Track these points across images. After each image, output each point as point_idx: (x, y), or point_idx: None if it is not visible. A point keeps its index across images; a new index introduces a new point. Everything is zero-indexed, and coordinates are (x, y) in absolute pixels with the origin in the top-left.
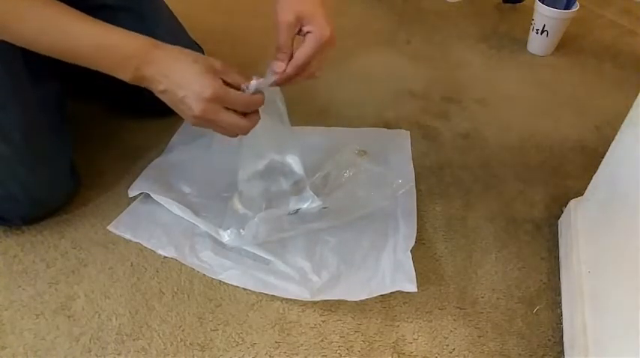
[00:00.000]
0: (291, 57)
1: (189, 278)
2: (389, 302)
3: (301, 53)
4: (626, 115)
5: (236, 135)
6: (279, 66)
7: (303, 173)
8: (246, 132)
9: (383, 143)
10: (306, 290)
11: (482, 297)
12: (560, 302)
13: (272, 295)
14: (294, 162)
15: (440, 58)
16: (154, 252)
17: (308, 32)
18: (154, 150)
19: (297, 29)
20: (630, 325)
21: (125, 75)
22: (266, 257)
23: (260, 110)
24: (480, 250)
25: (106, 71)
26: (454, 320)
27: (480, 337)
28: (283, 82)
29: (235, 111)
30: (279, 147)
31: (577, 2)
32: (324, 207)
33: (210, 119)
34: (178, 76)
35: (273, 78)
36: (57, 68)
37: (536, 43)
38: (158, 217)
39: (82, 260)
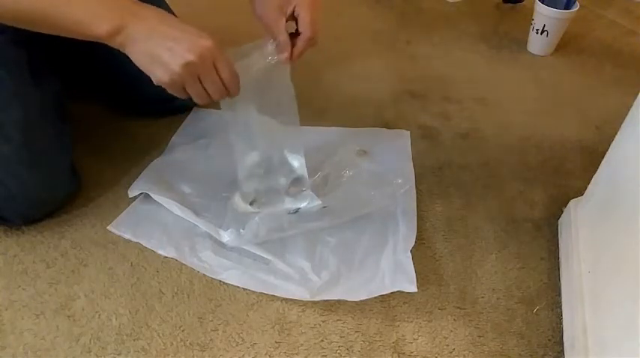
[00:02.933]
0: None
1: (189, 278)
2: (389, 302)
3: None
4: (626, 115)
5: (207, 100)
6: (283, 57)
7: (305, 173)
8: (223, 96)
9: (383, 143)
10: (306, 290)
11: (483, 297)
12: (560, 302)
13: (272, 295)
14: (296, 161)
15: (440, 58)
16: (154, 252)
17: None
18: (154, 150)
19: (284, 14)
20: (630, 325)
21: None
22: (266, 257)
23: (270, 109)
24: (479, 250)
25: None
26: (454, 320)
27: (479, 337)
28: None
29: None
30: (281, 146)
31: (577, 2)
32: (324, 207)
33: (200, 70)
34: (174, 29)
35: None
36: (57, 68)
37: (536, 43)
38: (158, 217)
39: (82, 260)
